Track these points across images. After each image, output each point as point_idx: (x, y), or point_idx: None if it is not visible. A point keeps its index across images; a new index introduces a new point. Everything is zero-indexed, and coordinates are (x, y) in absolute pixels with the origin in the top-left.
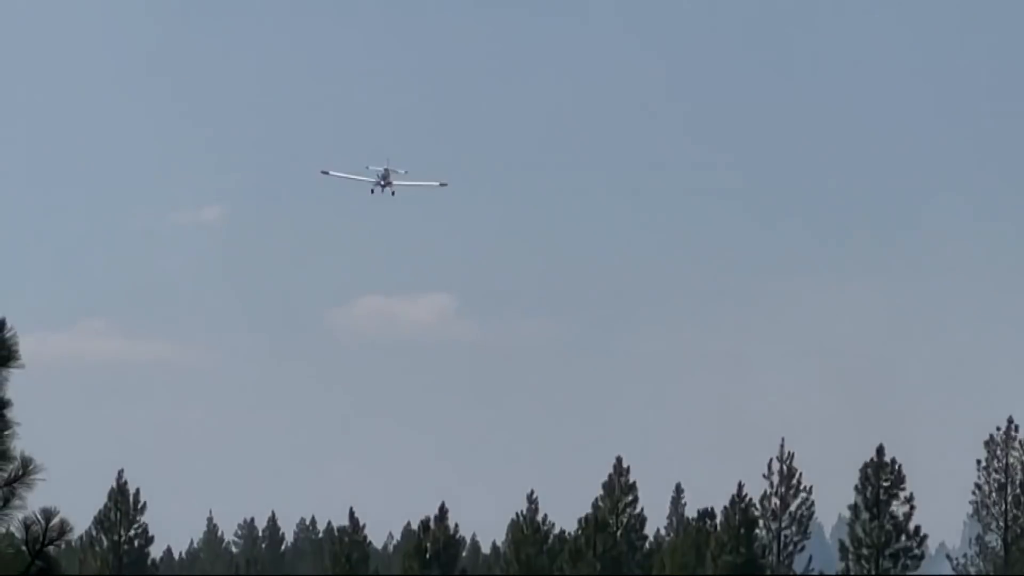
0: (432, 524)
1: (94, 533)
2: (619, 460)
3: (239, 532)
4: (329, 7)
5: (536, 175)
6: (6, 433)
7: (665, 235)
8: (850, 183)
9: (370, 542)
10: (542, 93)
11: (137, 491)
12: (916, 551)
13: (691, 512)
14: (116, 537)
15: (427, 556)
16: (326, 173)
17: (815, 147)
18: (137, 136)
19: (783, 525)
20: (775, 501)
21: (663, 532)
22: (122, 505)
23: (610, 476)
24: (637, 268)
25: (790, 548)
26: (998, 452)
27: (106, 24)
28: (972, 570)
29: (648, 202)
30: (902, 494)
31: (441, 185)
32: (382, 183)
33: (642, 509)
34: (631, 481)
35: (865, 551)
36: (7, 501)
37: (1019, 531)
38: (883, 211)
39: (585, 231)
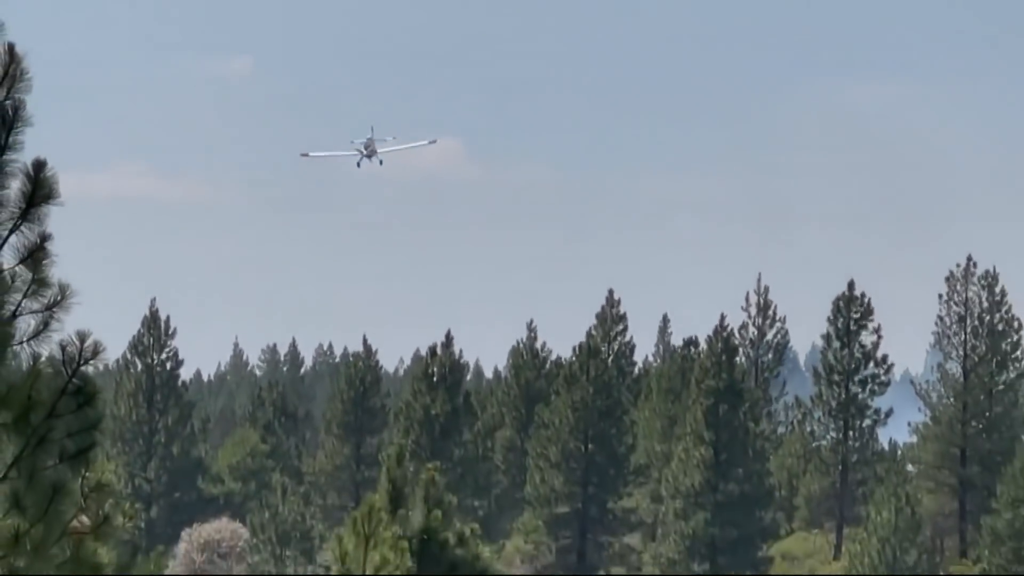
0: (439, 350)
1: (128, 357)
2: (611, 292)
3: (262, 357)
4: None
5: (537, 35)
6: (45, 263)
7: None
8: None
9: (382, 366)
10: None
11: (168, 318)
12: (883, 378)
13: (677, 341)
14: (149, 360)
15: (434, 380)
16: (306, 155)
17: None
18: None
19: (761, 353)
20: (753, 331)
21: (651, 359)
22: (154, 331)
23: (603, 307)
24: (632, 117)
25: (767, 374)
26: (958, 287)
27: None
28: (934, 396)
29: (645, 52)
30: (871, 325)
31: (430, 143)
32: (366, 153)
33: (632, 338)
34: (622, 312)
35: (836, 377)
36: (46, 325)
37: (977, 359)
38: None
39: (584, 82)
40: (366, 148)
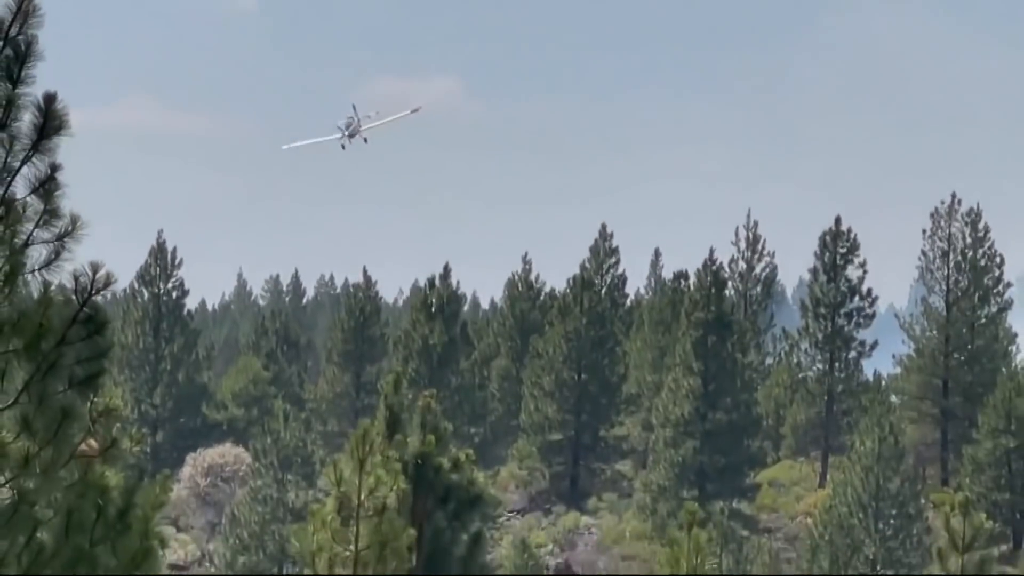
0: (437, 282)
1: (136, 286)
2: (604, 226)
3: (265, 287)
4: None
5: None
6: (57, 193)
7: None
8: None
9: (381, 297)
10: None
11: (174, 249)
12: (868, 311)
13: (668, 274)
14: (155, 290)
15: (432, 310)
16: (288, 147)
17: None
18: None
19: (749, 286)
20: (742, 265)
21: (642, 291)
22: (161, 261)
23: (596, 241)
24: (627, 56)
25: (755, 307)
26: (942, 223)
27: None
28: (917, 329)
29: None
30: (856, 260)
31: (413, 112)
32: (348, 134)
33: (624, 271)
34: (614, 246)
35: (822, 310)
36: (58, 254)
37: (959, 294)
38: None
39: (581, 18)
40: (347, 128)
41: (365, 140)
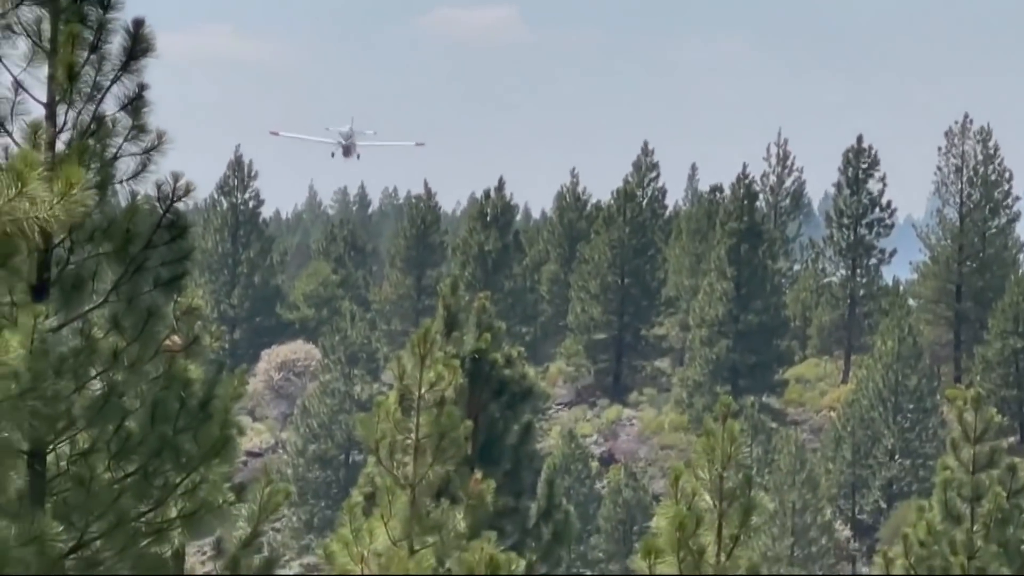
0: (492, 194)
1: (216, 196)
2: (645, 143)
3: (334, 198)
4: None
5: None
6: (144, 110)
7: None
8: None
9: (441, 207)
10: None
11: (251, 162)
12: (887, 221)
13: (704, 187)
14: (234, 200)
15: (487, 220)
16: (275, 134)
17: None
18: None
19: (779, 199)
20: (772, 178)
21: (680, 203)
22: (239, 173)
23: (638, 156)
24: None
25: (784, 218)
26: (955, 141)
27: None
28: (933, 238)
29: None
30: (877, 175)
31: (417, 144)
32: (345, 144)
33: (664, 184)
34: (655, 161)
35: (846, 220)
36: (144, 166)
37: (972, 206)
38: None
39: None
40: (346, 139)
41: (358, 157)
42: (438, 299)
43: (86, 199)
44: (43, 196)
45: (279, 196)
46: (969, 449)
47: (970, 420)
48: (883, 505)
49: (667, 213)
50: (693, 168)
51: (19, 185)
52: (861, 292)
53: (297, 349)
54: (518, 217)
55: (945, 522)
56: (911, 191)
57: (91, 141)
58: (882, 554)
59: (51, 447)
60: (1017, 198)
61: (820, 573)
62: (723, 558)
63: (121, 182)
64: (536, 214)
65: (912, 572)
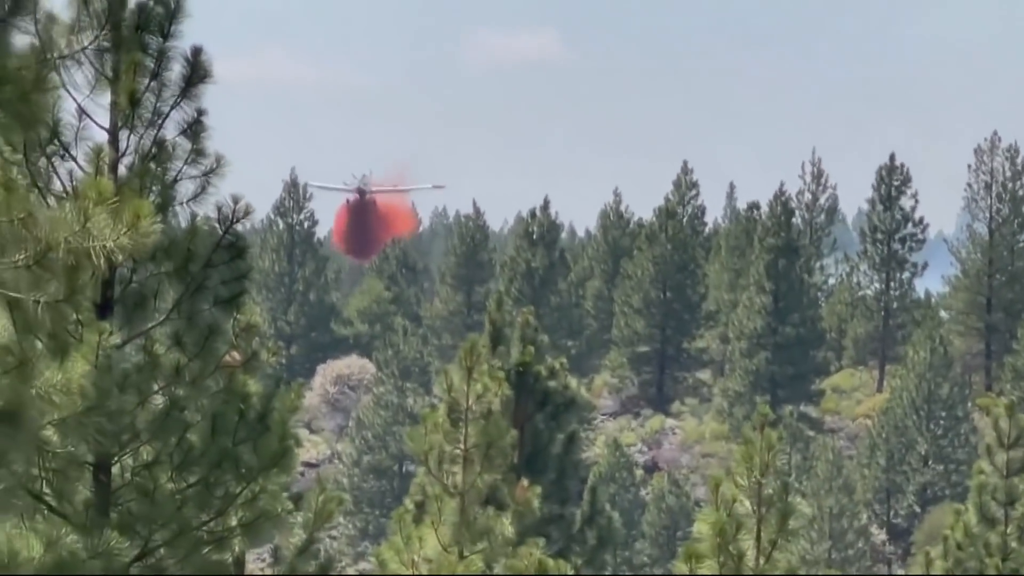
0: (539, 212)
1: (272, 217)
2: (685, 163)
3: None
4: None
5: None
6: (203, 135)
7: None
8: None
9: (489, 226)
10: None
11: (305, 184)
12: (919, 236)
13: (742, 205)
14: (289, 220)
15: (534, 237)
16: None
17: None
18: None
19: (814, 215)
20: (808, 196)
21: (720, 220)
22: (294, 195)
23: (678, 175)
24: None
25: (819, 233)
26: (985, 158)
27: None
28: (963, 252)
29: None
30: (909, 191)
31: (436, 187)
32: (358, 189)
33: (703, 202)
34: (695, 180)
35: (879, 235)
36: (204, 189)
37: (1001, 221)
38: None
39: None
40: (361, 182)
41: (374, 202)
42: (486, 314)
43: (152, 230)
44: (109, 228)
45: (333, 216)
46: (1003, 454)
47: (1004, 427)
48: (917, 509)
49: (707, 230)
50: (731, 186)
51: (85, 218)
52: (894, 304)
53: (352, 363)
54: (563, 235)
55: (980, 524)
56: (942, 207)
57: (152, 165)
58: (924, 554)
59: (116, 459)
60: None
61: (857, 574)
62: (762, 561)
63: (181, 204)
64: (580, 232)
65: (951, 573)
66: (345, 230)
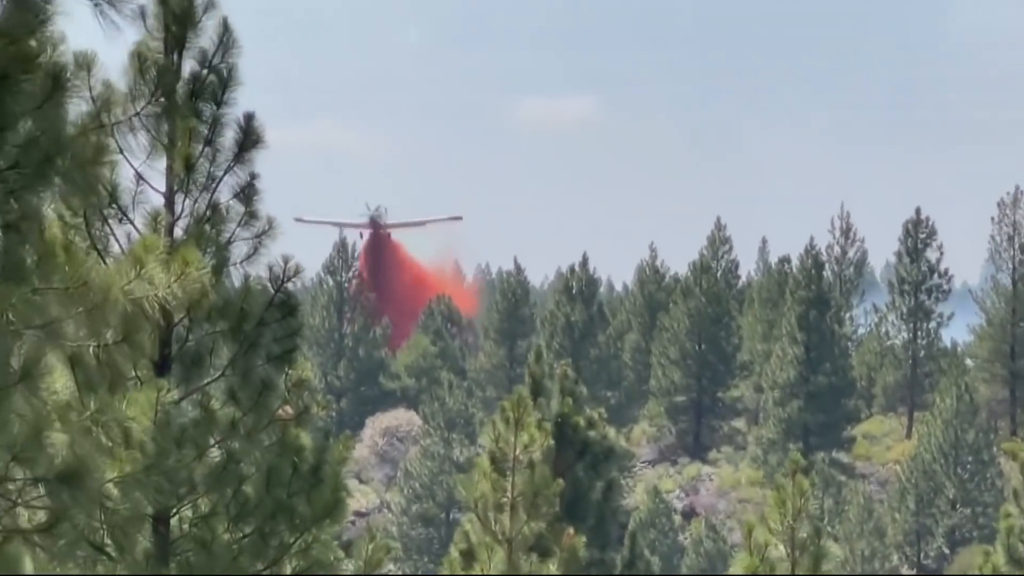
0: (577, 268)
1: (322, 275)
2: (718, 219)
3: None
4: None
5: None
6: (255, 198)
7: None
8: None
9: (530, 282)
10: None
11: (354, 243)
12: (945, 287)
13: (773, 259)
14: (339, 278)
15: (573, 293)
16: (301, 220)
17: None
18: None
19: (843, 268)
20: (837, 249)
21: (752, 274)
22: (343, 254)
23: (712, 231)
24: (732, 70)
25: (849, 285)
26: (1007, 211)
27: None
28: (988, 302)
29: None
30: (935, 244)
31: (453, 219)
32: (371, 220)
33: (736, 256)
34: (728, 235)
35: (906, 287)
36: (256, 250)
37: (1023, 272)
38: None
39: (707, 45)
40: (375, 213)
41: (389, 235)
42: (527, 367)
43: (201, 277)
44: (161, 277)
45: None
46: None
47: None
48: (946, 551)
49: (740, 283)
50: (763, 241)
51: (139, 268)
52: (922, 353)
53: (399, 416)
54: (601, 289)
55: (1008, 565)
56: (966, 257)
57: (207, 227)
58: None
59: (175, 512)
60: None
61: None
62: None
63: (235, 265)
64: (618, 286)
65: None
66: (367, 268)
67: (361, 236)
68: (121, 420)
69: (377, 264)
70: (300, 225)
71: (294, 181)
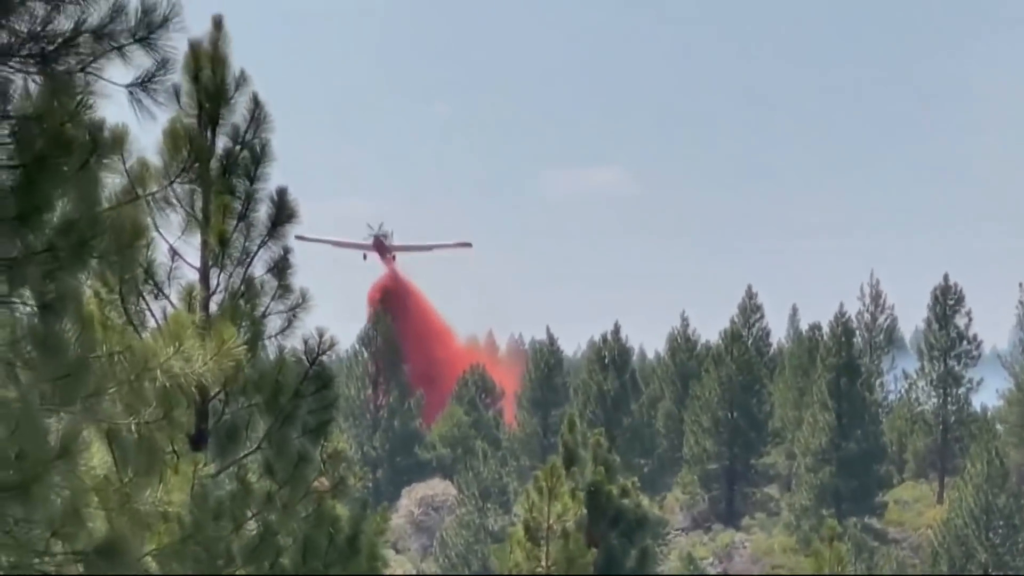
0: (609, 337)
1: (356, 347)
2: (749, 287)
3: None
4: None
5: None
6: (288, 272)
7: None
8: None
9: (563, 352)
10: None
11: (391, 316)
12: (974, 353)
13: (804, 326)
14: (372, 350)
15: (605, 361)
16: (301, 238)
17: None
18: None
19: (873, 335)
20: (867, 317)
21: (783, 341)
22: (379, 327)
23: (743, 299)
24: (765, 142)
25: (879, 352)
26: None
27: None
28: (1017, 367)
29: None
30: (963, 310)
31: (462, 245)
32: (375, 238)
33: (767, 324)
34: (758, 303)
35: (936, 353)
36: (290, 323)
37: None
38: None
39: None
40: (379, 231)
41: (393, 258)
42: (560, 437)
43: (237, 354)
44: (198, 353)
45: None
46: None
47: None
48: None
49: (771, 351)
50: (794, 309)
51: (176, 345)
52: (952, 419)
53: (435, 486)
54: (634, 358)
55: None
56: (995, 323)
57: (241, 302)
58: None
59: None
60: None
61: None
62: None
63: (270, 338)
64: (651, 355)
65: None
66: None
67: (364, 257)
68: (158, 495)
69: (409, 334)
70: (335, 297)
71: (320, 253)
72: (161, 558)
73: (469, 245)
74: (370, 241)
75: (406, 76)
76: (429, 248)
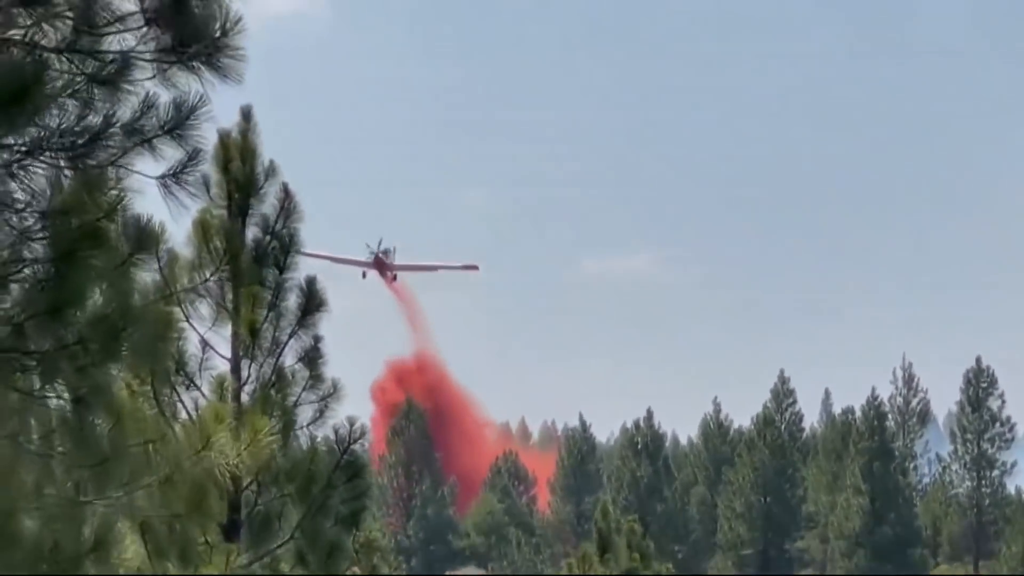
0: (642, 423)
1: (390, 436)
2: (781, 372)
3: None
4: None
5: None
6: (320, 361)
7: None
8: None
9: (595, 438)
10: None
11: (420, 405)
12: (1008, 435)
13: (837, 410)
14: (405, 438)
15: (638, 448)
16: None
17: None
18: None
19: (906, 418)
20: (899, 400)
21: (816, 425)
22: (412, 416)
23: (775, 384)
24: (787, 230)
25: (912, 435)
26: None
27: None
28: None
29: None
30: (996, 392)
31: (468, 268)
32: (374, 255)
33: (800, 408)
34: (791, 388)
35: (969, 436)
36: (322, 413)
37: None
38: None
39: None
40: (381, 249)
41: (395, 277)
42: (594, 523)
43: (269, 446)
44: (230, 446)
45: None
46: None
47: None
48: None
49: (804, 435)
50: (826, 393)
51: (207, 439)
52: (986, 502)
53: (469, 574)
54: (667, 444)
55: None
56: None
57: (273, 392)
58: None
59: None
60: None
61: None
62: None
63: (302, 428)
64: (683, 440)
65: None
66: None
67: (364, 275)
68: None
69: (443, 425)
70: (365, 384)
71: (354, 335)
72: None
73: (476, 268)
74: (371, 260)
75: (441, 161)
76: (434, 268)
